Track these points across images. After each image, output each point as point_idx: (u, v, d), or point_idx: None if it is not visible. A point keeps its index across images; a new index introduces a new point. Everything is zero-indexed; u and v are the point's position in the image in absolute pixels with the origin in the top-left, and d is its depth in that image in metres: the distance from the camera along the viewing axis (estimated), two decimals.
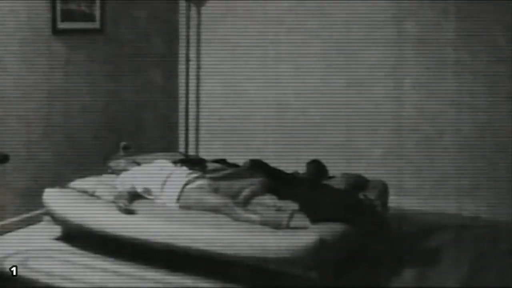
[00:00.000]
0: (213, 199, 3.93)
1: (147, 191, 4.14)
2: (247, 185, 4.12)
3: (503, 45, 4.81)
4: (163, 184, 4.12)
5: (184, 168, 4.32)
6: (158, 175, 4.18)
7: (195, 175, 4.23)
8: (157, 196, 4.11)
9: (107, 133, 5.21)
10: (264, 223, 3.63)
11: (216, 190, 4.05)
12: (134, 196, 4.10)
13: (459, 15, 4.92)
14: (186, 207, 4.00)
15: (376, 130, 5.29)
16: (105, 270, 3.76)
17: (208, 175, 4.29)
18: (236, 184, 4.16)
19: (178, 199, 4.04)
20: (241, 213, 3.76)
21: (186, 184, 4.09)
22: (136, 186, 4.14)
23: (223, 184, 4.15)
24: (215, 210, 3.89)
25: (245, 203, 3.96)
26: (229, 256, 3.53)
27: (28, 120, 4.54)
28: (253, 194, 4.08)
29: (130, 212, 3.89)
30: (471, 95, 4.96)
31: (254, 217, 3.69)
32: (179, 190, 4.06)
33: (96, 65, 5.09)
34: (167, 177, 4.16)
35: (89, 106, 5.04)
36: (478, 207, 5.01)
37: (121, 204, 3.91)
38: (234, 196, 4.01)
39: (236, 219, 3.75)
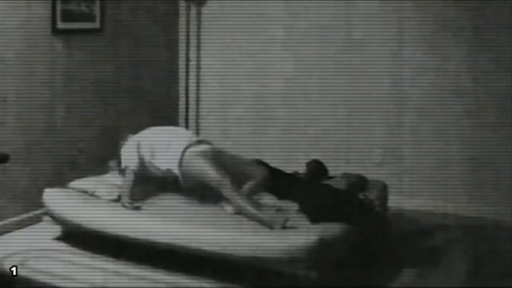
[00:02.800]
0: (214, 172, 3.90)
1: (152, 155, 4.12)
2: (250, 174, 4.09)
3: (503, 44, 4.81)
4: (168, 146, 4.12)
5: (189, 131, 4.27)
6: (163, 137, 4.19)
7: (198, 138, 4.21)
8: (161, 161, 4.10)
9: (107, 133, 5.21)
10: (258, 219, 3.64)
11: (218, 163, 3.99)
12: (138, 180, 4.08)
13: (459, 15, 4.92)
14: (187, 176, 3.99)
15: (376, 130, 5.29)
16: (105, 270, 3.76)
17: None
18: (239, 165, 4.14)
19: (180, 163, 4.02)
20: (237, 198, 3.76)
21: (188, 146, 4.07)
22: (142, 151, 4.12)
23: (227, 160, 4.12)
24: (213, 185, 3.88)
25: (247, 195, 3.94)
26: (229, 256, 3.53)
27: (28, 120, 4.54)
28: (255, 188, 4.06)
29: (136, 208, 3.91)
30: (472, 95, 4.96)
31: (251, 209, 3.69)
32: (180, 151, 4.04)
33: (96, 65, 5.09)
34: (171, 139, 4.15)
35: (89, 106, 5.04)
36: (479, 207, 5.01)
37: (126, 204, 3.92)
38: (235, 176, 3.98)
39: (232, 203, 3.75)
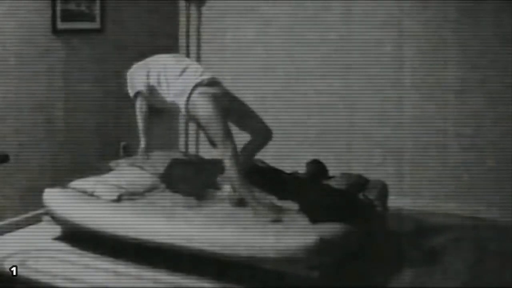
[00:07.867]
0: (221, 128, 3.73)
1: (159, 82, 3.93)
2: (253, 131, 4.06)
3: (504, 44, 4.81)
4: (177, 77, 3.90)
5: (200, 66, 4.06)
6: (173, 66, 3.98)
7: (210, 76, 3.93)
8: (167, 91, 3.92)
9: (107, 133, 5.21)
10: (249, 201, 3.69)
11: (226, 114, 3.81)
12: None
13: (459, 15, 4.93)
14: (191, 115, 3.86)
15: (376, 130, 5.29)
16: (105, 270, 3.76)
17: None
18: (246, 117, 4.04)
19: (187, 100, 3.81)
20: (234, 170, 3.72)
21: (199, 83, 3.84)
22: (150, 76, 3.95)
23: (236, 108, 3.98)
24: (213, 138, 3.78)
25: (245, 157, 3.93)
26: (229, 256, 3.53)
27: (28, 120, 4.54)
28: (254, 148, 4.09)
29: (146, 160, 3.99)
30: (472, 95, 4.97)
31: (242, 188, 3.69)
32: (190, 87, 3.81)
33: (96, 65, 5.09)
34: (182, 70, 3.93)
35: (89, 106, 5.04)
36: (478, 207, 5.01)
37: (143, 155, 4.01)
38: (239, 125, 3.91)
39: (227, 170, 3.74)
